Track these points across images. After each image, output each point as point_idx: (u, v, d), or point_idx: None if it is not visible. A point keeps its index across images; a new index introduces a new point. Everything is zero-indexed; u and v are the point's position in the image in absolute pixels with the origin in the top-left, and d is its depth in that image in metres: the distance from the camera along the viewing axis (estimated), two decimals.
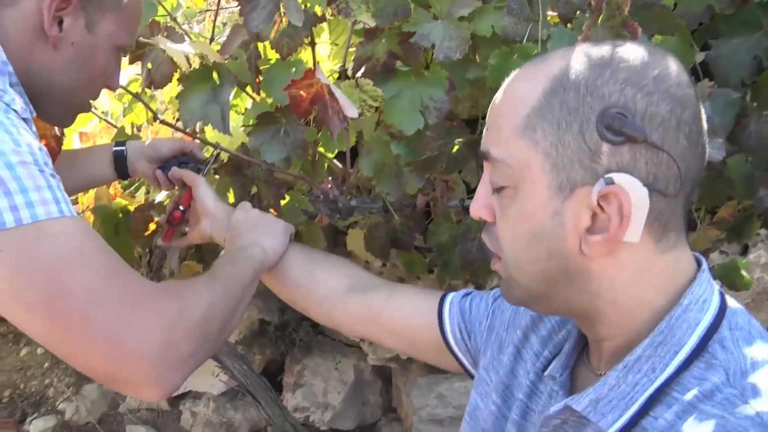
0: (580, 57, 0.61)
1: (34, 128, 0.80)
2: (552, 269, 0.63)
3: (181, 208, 1.18)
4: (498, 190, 0.65)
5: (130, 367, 0.73)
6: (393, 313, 0.98)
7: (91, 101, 1.01)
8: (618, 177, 0.58)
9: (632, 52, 0.61)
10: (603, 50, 0.61)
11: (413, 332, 0.97)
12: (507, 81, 0.66)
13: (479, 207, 0.68)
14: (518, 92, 0.63)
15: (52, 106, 0.91)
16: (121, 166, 1.23)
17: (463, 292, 0.95)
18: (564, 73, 0.60)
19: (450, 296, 0.95)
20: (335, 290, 1.05)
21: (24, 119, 0.78)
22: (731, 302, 0.63)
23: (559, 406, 0.66)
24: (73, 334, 0.70)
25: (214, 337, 0.84)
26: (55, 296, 0.69)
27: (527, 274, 0.65)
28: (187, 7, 1.72)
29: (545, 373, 0.74)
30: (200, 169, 1.21)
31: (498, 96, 0.66)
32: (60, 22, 0.85)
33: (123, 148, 1.22)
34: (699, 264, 0.65)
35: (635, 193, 0.57)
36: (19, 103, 0.78)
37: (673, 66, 0.61)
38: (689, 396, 0.57)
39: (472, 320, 0.90)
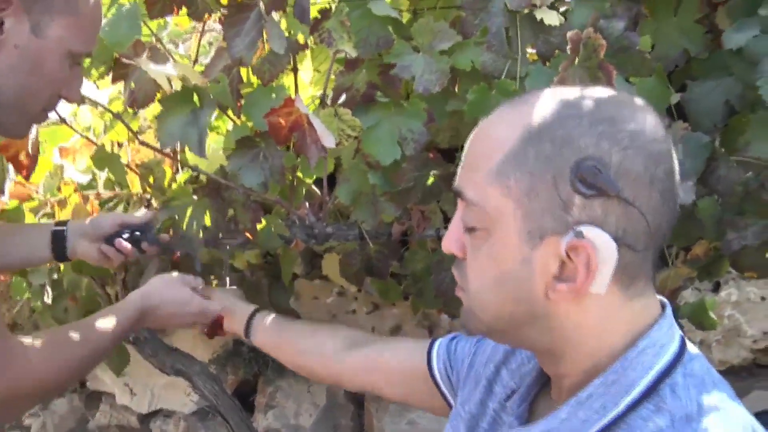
0: (558, 104, 0.61)
1: None
2: (516, 312, 0.63)
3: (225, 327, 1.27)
4: (470, 229, 0.65)
5: None
6: (388, 358, 1.07)
7: (47, 112, 0.97)
8: (588, 231, 0.58)
9: (611, 102, 0.61)
10: (582, 99, 0.61)
11: (406, 374, 1.03)
12: (485, 120, 0.66)
13: (450, 242, 0.68)
14: (495, 135, 0.63)
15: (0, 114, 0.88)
16: (59, 248, 1.17)
17: (451, 336, 1.00)
18: (542, 121, 0.60)
19: (439, 340, 1.00)
20: (340, 348, 1.15)
21: None
22: (692, 349, 0.64)
23: None
24: None
25: (53, 390, 0.90)
26: None
27: (488, 314, 0.66)
28: (176, 25, 1.73)
29: (507, 403, 0.75)
30: (168, 249, 1.27)
31: (475, 135, 0.66)
32: (0, 24, 0.81)
33: (64, 228, 1.18)
34: (664, 308, 0.65)
35: (604, 247, 0.58)
36: None
37: (650, 119, 0.61)
38: None
39: (456, 359, 0.94)
